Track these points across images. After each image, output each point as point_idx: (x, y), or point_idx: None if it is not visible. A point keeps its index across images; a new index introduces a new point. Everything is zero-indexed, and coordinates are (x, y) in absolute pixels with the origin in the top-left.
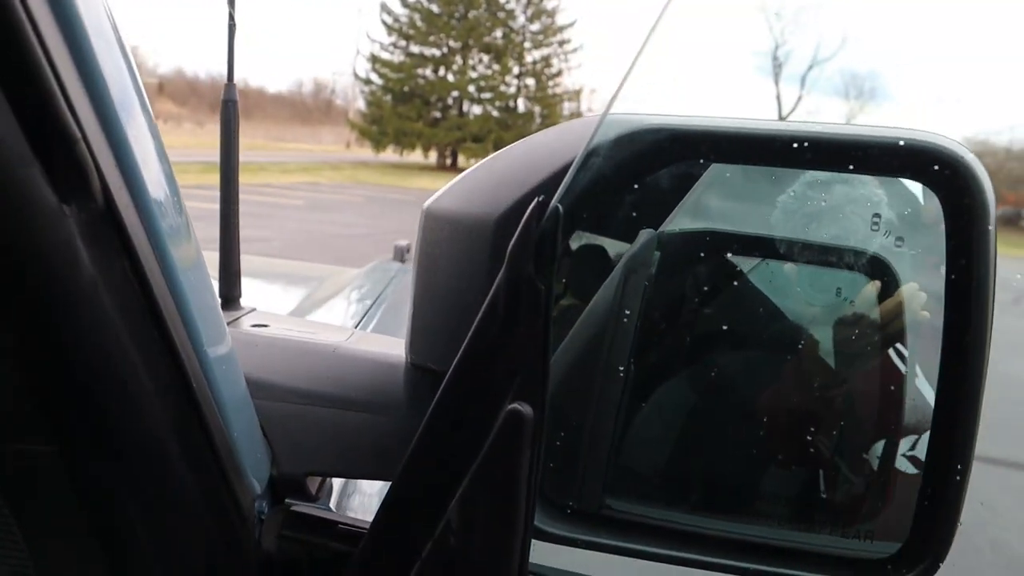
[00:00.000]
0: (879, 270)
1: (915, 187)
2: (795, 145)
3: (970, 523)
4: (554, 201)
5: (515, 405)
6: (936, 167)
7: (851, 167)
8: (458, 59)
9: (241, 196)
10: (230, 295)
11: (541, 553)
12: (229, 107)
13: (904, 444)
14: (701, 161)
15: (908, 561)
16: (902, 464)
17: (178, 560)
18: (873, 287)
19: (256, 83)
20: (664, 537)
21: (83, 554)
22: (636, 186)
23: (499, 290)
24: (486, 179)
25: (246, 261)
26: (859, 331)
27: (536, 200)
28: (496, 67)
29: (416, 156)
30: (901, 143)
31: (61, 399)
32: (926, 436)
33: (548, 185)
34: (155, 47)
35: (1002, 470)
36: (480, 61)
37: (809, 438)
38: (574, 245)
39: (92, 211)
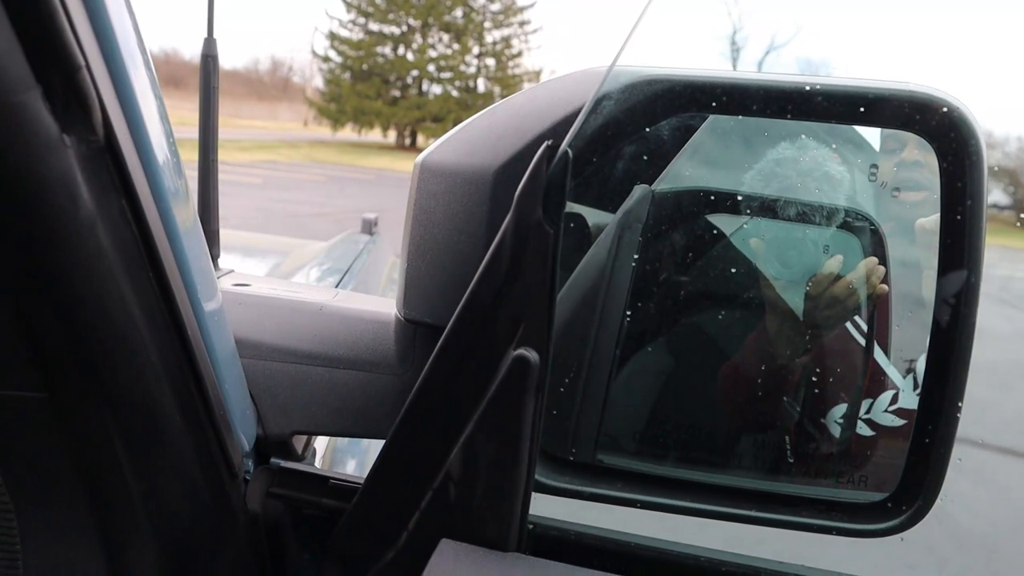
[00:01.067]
0: (865, 227)
1: (910, 139)
2: (797, 96)
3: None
4: (564, 145)
5: (521, 350)
6: (932, 118)
7: (850, 118)
8: (418, 38)
9: (195, 174)
10: (210, 254)
11: (540, 505)
12: (209, 62)
13: (887, 397)
14: (706, 113)
15: (900, 503)
16: (888, 419)
17: (166, 514)
18: (857, 244)
19: None
20: (659, 486)
21: (70, 505)
22: (642, 133)
23: (505, 235)
24: (484, 131)
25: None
26: (839, 290)
27: (546, 144)
28: (456, 47)
29: (375, 135)
30: (899, 95)
31: (54, 341)
32: (911, 389)
33: (549, 135)
34: None
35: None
36: (440, 40)
37: (795, 395)
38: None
39: (92, 144)
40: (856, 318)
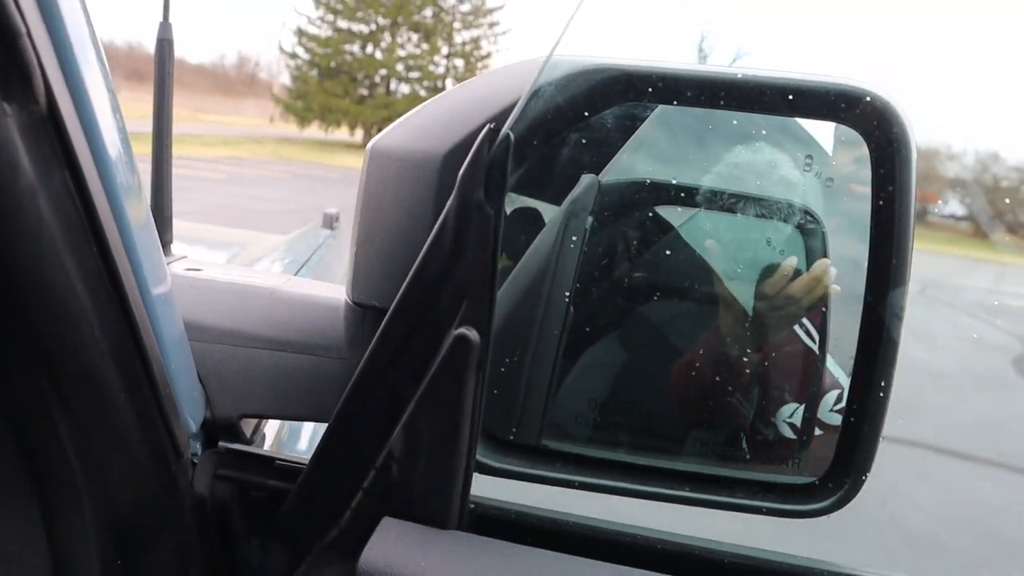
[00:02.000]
0: (805, 219)
1: (841, 132)
2: (731, 86)
3: (872, 499)
4: (505, 128)
5: (462, 330)
6: (858, 108)
7: (786, 110)
8: (387, 37)
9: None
10: (162, 240)
11: (481, 487)
12: (164, 47)
13: (831, 397)
14: (646, 103)
15: (829, 485)
16: (826, 416)
17: (109, 493)
18: (797, 235)
19: (177, 53)
20: (602, 468)
21: (10, 481)
22: (584, 122)
23: (448, 216)
24: (434, 116)
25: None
26: (794, 291)
27: (488, 127)
28: (425, 47)
29: (342, 133)
30: (827, 86)
31: None
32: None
33: (495, 121)
34: None
35: (899, 447)
36: (409, 40)
37: (741, 391)
38: (508, 209)
39: (34, 114)
40: (805, 319)
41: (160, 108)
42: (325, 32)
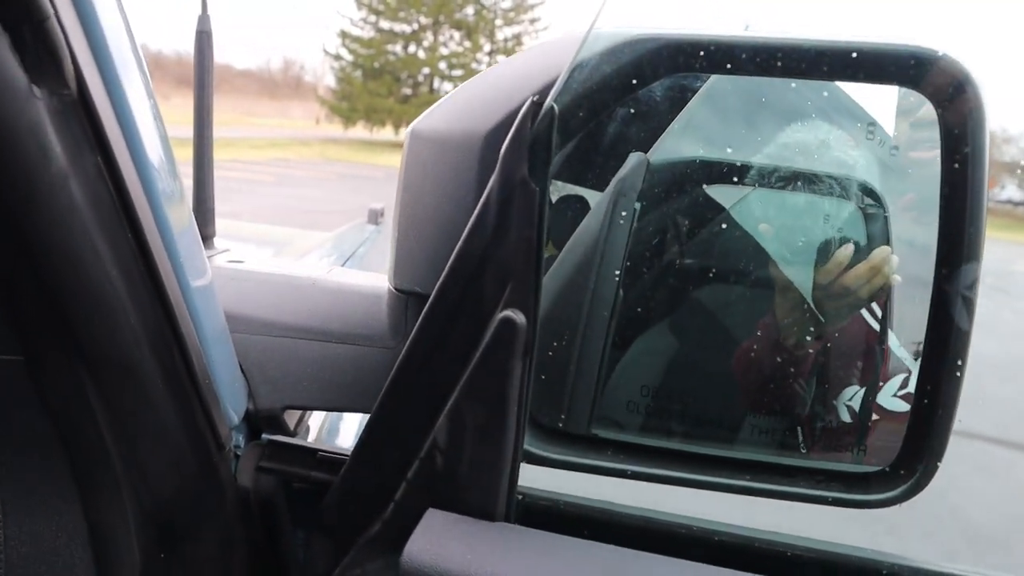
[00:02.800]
0: (865, 197)
1: (908, 96)
2: (788, 53)
3: (931, 492)
4: (548, 100)
5: (507, 312)
6: (933, 71)
7: (843, 75)
8: (429, 36)
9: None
10: (205, 233)
11: (529, 477)
12: (203, 39)
13: (895, 382)
14: (696, 74)
15: (900, 473)
16: (895, 404)
17: (150, 484)
18: (858, 214)
19: (223, 59)
20: (654, 457)
21: (52, 472)
22: (632, 94)
23: (491, 194)
24: (473, 96)
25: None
26: (851, 280)
27: (531, 100)
28: (467, 44)
29: (387, 133)
30: (893, 50)
31: (28, 300)
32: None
33: (539, 95)
34: None
35: (958, 440)
36: (451, 38)
37: (802, 377)
38: (554, 197)
39: (64, 97)
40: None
41: (200, 101)
42: (368, 33)
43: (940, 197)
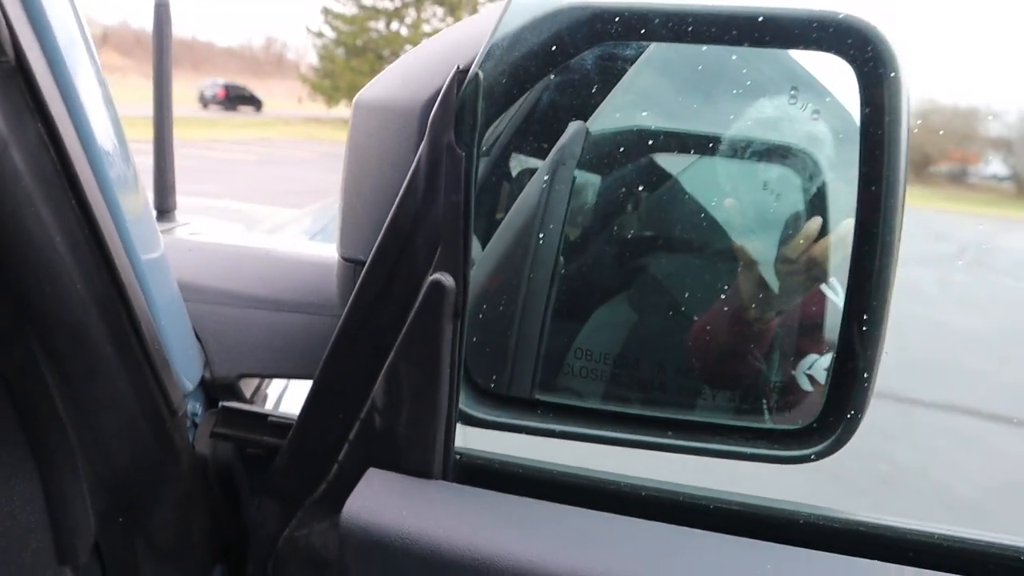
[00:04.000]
0: (803, 161)
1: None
2: (707, 20)
3: (912, 468)
4: (473, 68)
5: (436, 275)
6: (851, 39)
7: (762, 41)
8: (411, 12)
9: (190, 152)
10: (164, 206)
11: (475, 440)
12: (161, 11)
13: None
14: (626, 44)
15: (824, 425)
16: (818, 372)
17: (104, 451)
18: (793, 176)
19: (205, 37)
20: (592, 419)
21: (7, 442)
22: (561, 63)
23: (420, 161)
24: (414, 65)
25: (183, 201)
26: (817, 253)
27: (456, 68)
28: (450, 20)
29: None
30: (804, 15)
31: None
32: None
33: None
34: None
35: (939, 414)
36: (434, 15)
37: (735, 345)
38: (514, 170)
39: (3, 65)
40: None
41: (160, 75)
42: (350, 10)
43: (859, 153)
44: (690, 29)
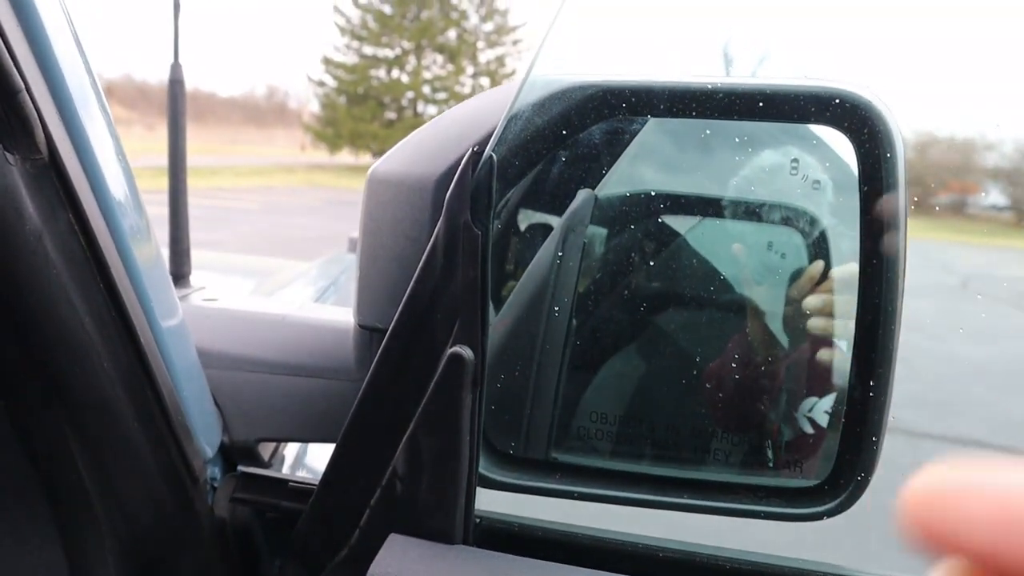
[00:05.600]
0: (805, 221)
1: (828, 135)
2: (708, 98)
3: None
4: (488, 150)
5: (455, 348)
6: (849, 115)
7: (772, 116)
8: (412, 60)
9: (193, 200)
10: (180, 272)
11: (493, 503)
12: (175, 87)
13: (829, 400)
14: (630, 117)
15: (835, 484)
16: (823, 419)
17: (127, 517)
18: (800, 238)
19: (207, 88)
20: (607, 480)
21: (32, 509)
22: (569, 139)
23: (438, 239)
24: (427, 141)
25: (194, 256)
26: (792, 292)
27: (471, 150)
28: (451, 67)
29: (372, 158)
30: (802, 91)
31: (8, 347)
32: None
33: (484, 143)
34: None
35: (948, 446)
36: (434, 62)
37: (742, 394)
38: (522, 226)
39: (37, 162)
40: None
41: (175, 145)
42: (351, 59)
43: (859, 225)
44: (693, 105)
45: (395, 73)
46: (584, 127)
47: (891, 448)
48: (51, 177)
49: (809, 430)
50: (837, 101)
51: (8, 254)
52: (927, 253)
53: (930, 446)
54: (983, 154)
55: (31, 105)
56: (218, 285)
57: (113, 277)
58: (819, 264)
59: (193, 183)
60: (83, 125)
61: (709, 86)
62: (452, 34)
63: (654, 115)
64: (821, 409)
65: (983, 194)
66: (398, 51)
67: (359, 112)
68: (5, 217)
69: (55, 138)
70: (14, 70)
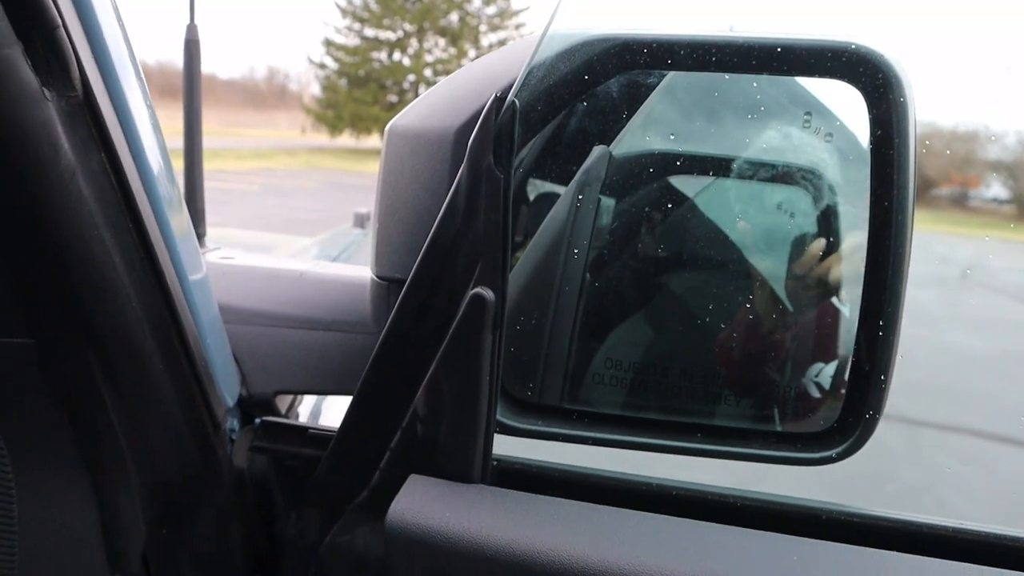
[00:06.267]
0: (814, 182)
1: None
2: (725, 50)
3: (918, 486)
4: (510, 96)
5: (478, 289)
6: (862, 67)
7: (789, 70)
8: (414, 43)
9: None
10: (196, 232)
11: (509, 447)
12: (191, 47)
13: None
14: (647, 71)
15: (844, 427)
16: (824, 380)
17: (154, 462)
18: (807, 197)
19: (207, 70)
20: (621, 425)
21: (62, 449)
22: (589, 91)
23: (460, 183)
24: (446, 94)
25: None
26: (798, 255)
27: (494, 96)
28: (452, 50)
29: (373, 141)
30: (816, 44)
31: (39, 284)
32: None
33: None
34: None
35: (945, 434)
36: (436, 45)
37: (753, 350)
38: (532, 195)
39: (72, 100)
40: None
41: (190, 106)
42: (353, 41)
43: (871, 181)
44: (712, 59)
45: (397, 56)
46: (605, 77)
47: (888, 436)
48: (85, 116)
49: (816, 394)
50: (849, 54)
51: (43, 188)
52: (928, 244)
53: (927, 433)
54: (986, 146)
55: (67, 42)
56: (234, 252)
57: (143, 220)
58: (822, 239)
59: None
60: (115, 67)
61: (726, 39)
62: (454, 17)
63: (675, 68)
64: (827, 375)
65: (984, 187)
66: (400, 33)
67: (360, 95)
68: (41, 151)
69: (89, 78)
70: (52, 6)
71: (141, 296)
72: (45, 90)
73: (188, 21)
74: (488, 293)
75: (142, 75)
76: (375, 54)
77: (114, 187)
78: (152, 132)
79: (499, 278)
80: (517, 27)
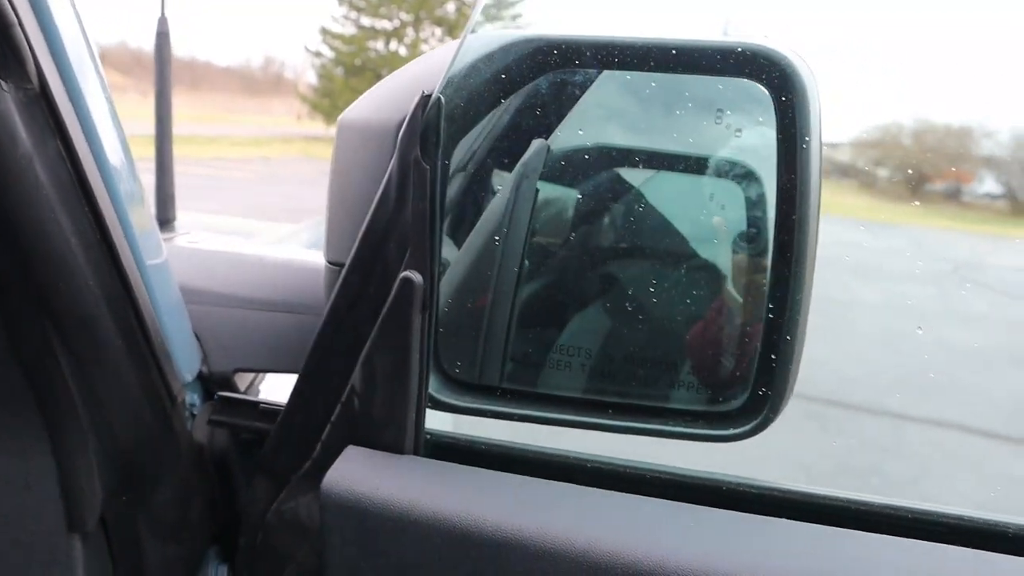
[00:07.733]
0: (739, 172)
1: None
2: (644, 51)
3: (903, 481)
4: (435, 93)
5: (407, 273)
6: (767, 67)
7: (697, 69)
8: (410, 32)
9: (191, 170)
10: (165, 217)
11: (443, 423)
12: (161, 39)
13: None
14: (571, 69)
15: (753, 406)
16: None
17: (111, 430)
18: (736, 187)
19: (204, 57)
20: (553, 404)
21: (26, 421)
22: (513, 90)
23: (391, 174)
24: (392, 89)
25: (185, 218)
26: (727, 237)
27: (421, 93)
28: (449, 40)
29: None
30: (739, 48)
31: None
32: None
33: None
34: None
35: (932, 429)
36: (432, 34)
37: (674, 331)
38: (496, 185)
39: (28, 92)
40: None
41: (161, 96)
42: (349, 30)
43: (776, 175)
44: (618, 59)
45: (393, 45)
46: (525, 78)
47: (876, 430)
48: (41, 106)
49: (732, 364)
50: (757, 56)
51: (1, 175)
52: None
53: (914, 428)
54: (980, 142)
55: (23, 38)
56: (204, 237)
57: (98, 203)
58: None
59: (191, 152)
60: (70, 60)
61: (642, 41)
62: (451, 7)
63: (586, 67)
64: (740, 345)
65: (976, 182)
66: (396, 23)
67: (356, 84)
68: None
69: (45, 71)
70: (8, 4)
71: (96, 276)
72: (2, 83)
73: (160, 15)
74: (416, 276)
75: (101, 70)
76: (371, 43)
77: (70, 173)
78: (110, 121)
79: (427, 262)
80: (514, 17)
